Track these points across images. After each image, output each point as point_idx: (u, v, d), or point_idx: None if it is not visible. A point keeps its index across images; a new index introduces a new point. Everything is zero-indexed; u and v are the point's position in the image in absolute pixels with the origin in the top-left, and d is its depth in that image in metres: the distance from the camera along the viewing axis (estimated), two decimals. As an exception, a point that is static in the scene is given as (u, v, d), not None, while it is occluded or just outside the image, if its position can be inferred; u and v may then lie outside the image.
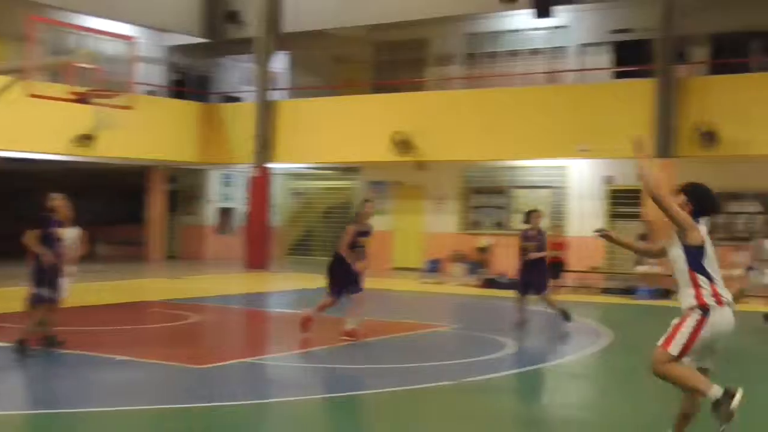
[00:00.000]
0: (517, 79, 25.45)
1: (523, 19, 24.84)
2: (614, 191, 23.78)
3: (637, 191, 22.42)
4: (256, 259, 26.04)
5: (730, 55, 22.98)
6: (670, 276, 20.68)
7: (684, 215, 6.04)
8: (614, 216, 23.72)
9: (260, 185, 26.56)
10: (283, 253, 29.77)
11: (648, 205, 21.36)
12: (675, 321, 6.10)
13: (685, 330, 5.97)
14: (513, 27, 26.17)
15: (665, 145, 20.92)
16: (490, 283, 21.84)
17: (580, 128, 22.26)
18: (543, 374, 10.96)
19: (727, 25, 23.19)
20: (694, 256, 6.04)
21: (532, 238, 14.17)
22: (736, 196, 22.46)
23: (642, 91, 21.60)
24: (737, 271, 19.52)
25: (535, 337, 13.86)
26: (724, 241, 20.81)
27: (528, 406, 9.22)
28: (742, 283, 15.94)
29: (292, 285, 22.09)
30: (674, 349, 5.95)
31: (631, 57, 23.90)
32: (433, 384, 9.51)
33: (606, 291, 20.56)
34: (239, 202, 29.92)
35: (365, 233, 12.32)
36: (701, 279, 6.02)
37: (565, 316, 14.03)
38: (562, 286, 20.71)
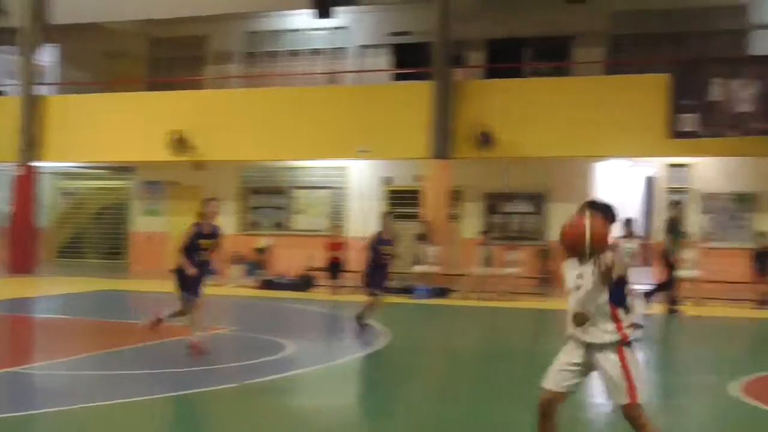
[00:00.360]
0: (297, 79, 25.32)
1: (303, 19, 24.74)
2: (392, 191, 24.07)
3: (415, 192, 22.82)
4: (21, 262, 24.61)
5: (504, 60, 23.74)
6: (447, 275, 20.74)
7: (619, 259, 5.60)
8: (393, 216, 23.94)
9: (26, 185, 25.11)
10: (51, 256, 28.35)
11: (427, 206, 21.75)
12: (611, 367, 5.67)
13: (634, 373, 5.63)
14: (293, 26, 26.04)
15: (443, 147, 21.33)
16: (269, 284, 21.64)
17: (359, 129, 22.37)
18: (324, 374, 10.81)
19: (501, 32, 23.97)
20: (618, 290, 5.66)
21: (389, 242, 14.21)
22: (510, 197, 23.27)
23: (420, 93, 21.91)
24: (510, 269, 20.19)
25: (315, 337, 13.73)
26: (498, 241, 21.53)
27: (310, 406, 9.02)
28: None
29: (60, 289, 21.01)
30: (641, 396, 5.65)
31: (409, 59, 24.26)
32: (214, 387, 9.23)
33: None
34: (2, 202, 28.19)
35: (209, 235, 11.53)
36: (621, 312, 5.67)
37: (364, 324, 14.02)
38: (342, 287, 20.74)
